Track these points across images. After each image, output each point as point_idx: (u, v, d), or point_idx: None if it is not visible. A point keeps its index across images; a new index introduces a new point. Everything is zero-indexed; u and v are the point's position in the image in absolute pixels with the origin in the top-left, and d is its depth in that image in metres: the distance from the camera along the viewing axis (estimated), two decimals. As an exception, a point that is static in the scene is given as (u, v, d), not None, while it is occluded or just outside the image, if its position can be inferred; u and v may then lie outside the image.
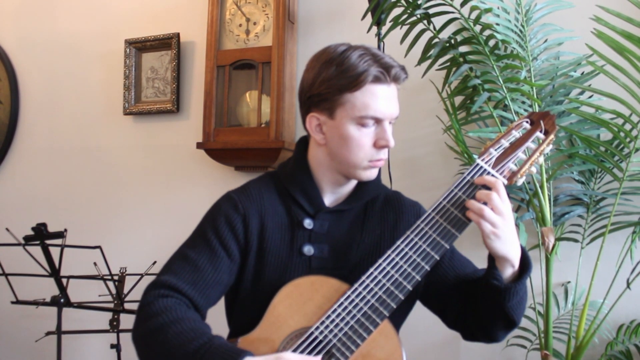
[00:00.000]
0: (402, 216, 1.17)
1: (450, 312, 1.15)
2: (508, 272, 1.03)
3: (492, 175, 1.03)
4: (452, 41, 1.67)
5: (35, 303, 2.00)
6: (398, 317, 1.12)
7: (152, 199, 2.46)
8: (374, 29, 1.88)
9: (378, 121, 1.06)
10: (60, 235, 1.88)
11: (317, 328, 0.99)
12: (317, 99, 1.08)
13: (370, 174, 1.11)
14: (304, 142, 1.19)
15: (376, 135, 1.07)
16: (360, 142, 1.06)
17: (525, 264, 1.04)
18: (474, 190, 1.02)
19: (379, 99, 1.04)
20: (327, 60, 1.06)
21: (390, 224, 1.16)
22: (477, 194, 1.01)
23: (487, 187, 1.01)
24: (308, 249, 1.10)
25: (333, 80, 1.04)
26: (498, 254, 1.00)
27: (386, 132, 1.06)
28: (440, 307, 1.17)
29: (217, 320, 1.19)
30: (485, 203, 0.99)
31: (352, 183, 1.17)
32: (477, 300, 1.08)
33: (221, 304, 1.17)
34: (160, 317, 0.98)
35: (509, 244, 1.00)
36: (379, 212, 1.17)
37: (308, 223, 1.12)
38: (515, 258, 1.02)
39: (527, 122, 1.10)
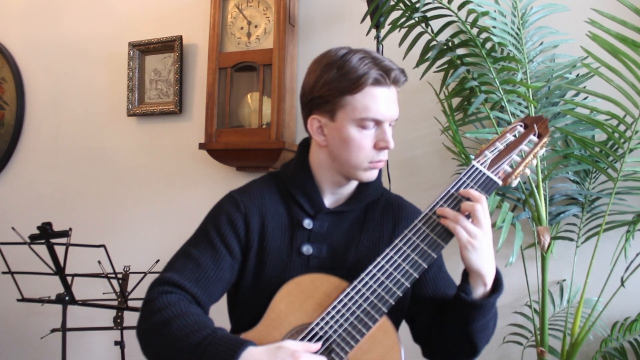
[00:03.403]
0: (402, 221, 1.18)
1: (418, 325, 1.16)
2: (479, 290, 1.03)
3: (488, 176, 1.05)
4: (450, 44, 1.69)
5: (40, 301, 2.02)
6: (397, 316, 1.13)
7: (155, 199, 2.49)
8: (373, 31, 1.91)
9: (378, 123, 1.07)
10: (65, 234, 1.90)
11: (317, 324, 1.01)
12: (319, 102, 1.09)
13: (370, 175, 1.12)
14: (306, 143, 1.21)
15: (376, 137, 1.08)
16: (361, 143, 1.07)
17: (497, 286, 1.04)
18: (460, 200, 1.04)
19: (379, 101, 1.05)
20: (328, 64, 1.08)
21: (389, 228, 1.17)
22: (462, 206, 1.02)
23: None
24: (307, 249, 1.12)
25: (334, 83, 1.06)
26: (472, 267, 1.01)
27: (386, 133, 1.08)
28: (410, 317, 1.18)
29: (220, 317, 1.22)
30: (468, 216, 1.01)
31: (353, 184, 1.18)
32: (445, 316, 1.09)
33: (223, 302, 1.19)
34: (164, 312, 1.00)
35: (485, 258, 1.00)
36: (379, 215, 1.18)
37: (308, 223, 1.13)
38: (488, 275, 1.02)
39: (521, 125, 1.12)
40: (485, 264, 1.01)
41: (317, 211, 1.14)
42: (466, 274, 1.06)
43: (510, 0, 1.77)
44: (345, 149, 1.08)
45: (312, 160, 1.17)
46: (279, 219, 1.14)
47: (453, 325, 1.07)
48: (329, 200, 1.17)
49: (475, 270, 1.01)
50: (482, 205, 1.01)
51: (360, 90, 1.05)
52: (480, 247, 1.00)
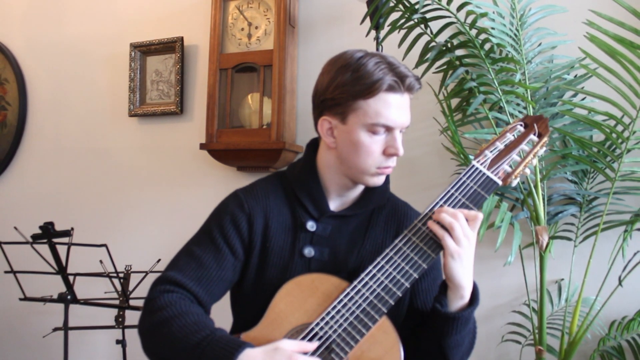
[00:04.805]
0: (405, 229, 1.16)
1: (400, 335, 1.13)
2: (457, 303, 1.03)
3: (488, 176, 1.06)
4: (449, 45, 1.70)
5: (42, 300, 2.04)
6: (397, 317, 1.12)
7: (157, 199, 2.50)
8: (373, 32, 1.91)
9: (389, 129, 1.06)
10: (67, 233, 1.91)
11: (317, 324, 1.01)
12: (331, 103, 1.08)
13: (377, 181, 1.12)
14: (314, 144, 1.20)
15: (386, 143, 1.07)
16: (370, 148, 1.07)
17: (473, 300, 1.04)
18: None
19: (392, 107, 1.05)
20: (343, 66, 1.07)
21: (392, 235, 1.16)
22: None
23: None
24: (308, 251, 1.12)
25: (347, 86, 1.05)
26: (454, 278, 1.01)
27: (396, 140, 1.07)
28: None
29: (222, 315, 1.23)
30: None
31: (359, 188, 1.18)
32: (421, 328, 1.10)
33: (225, 301, 1.20)
34: (165, 311, 1.01)
35: (467, 270, 1.01)
36: (383, 221, 1.18)
37: (311, 225, 1.13)
38: (467, 287, 1.02)
39: (521, 125, 1.12)
40: (467, 275, 1.01)
41: (321, 214, 1.14)
42: (444, 286, 1.05)
43: (508, 2, 1.77)
44: (354, 152, 1.08)
45: (320, 161, 1.17)
46: (283, 220, 1.15)
47: (427, 337, 1.07)
48: (334, 204, 1.17)
49: (457, 281, 1.01)
50: (475, 221, 1.01)
51: (374, 96, 1.04)
52: (466, 257, 1.00)
